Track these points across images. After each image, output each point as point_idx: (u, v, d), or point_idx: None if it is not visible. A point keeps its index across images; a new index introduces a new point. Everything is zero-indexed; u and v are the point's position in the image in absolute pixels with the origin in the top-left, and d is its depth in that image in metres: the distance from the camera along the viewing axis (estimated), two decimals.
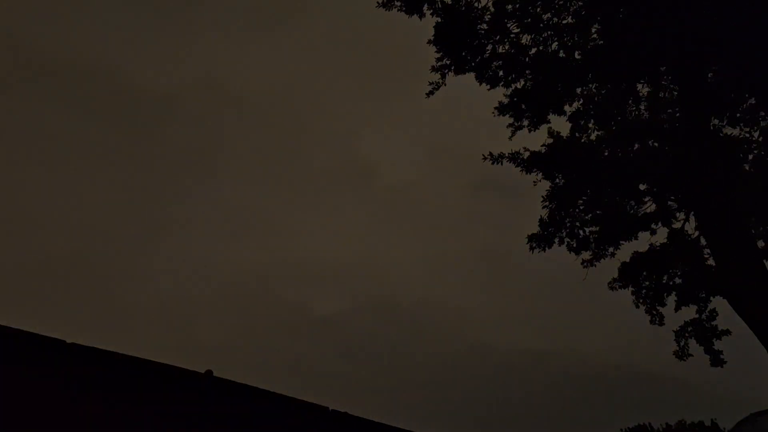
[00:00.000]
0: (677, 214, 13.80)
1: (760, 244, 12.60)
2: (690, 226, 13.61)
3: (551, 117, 13.81)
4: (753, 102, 12.42)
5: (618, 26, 11.68)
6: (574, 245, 14.32)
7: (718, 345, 13.42)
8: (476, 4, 13.08)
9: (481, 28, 13.10)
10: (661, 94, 13.88)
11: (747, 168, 12.83)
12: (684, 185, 12.28)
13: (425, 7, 13.06)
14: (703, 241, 13.12)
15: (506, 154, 13.80)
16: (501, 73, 13.34)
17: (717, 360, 13.28)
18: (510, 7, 12.99)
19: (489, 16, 13.03)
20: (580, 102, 13.97)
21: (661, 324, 14.28)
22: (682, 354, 13.91)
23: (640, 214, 13.85)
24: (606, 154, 13.92)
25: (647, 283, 14.25)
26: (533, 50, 13.26)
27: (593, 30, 12.93)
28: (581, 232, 14.23)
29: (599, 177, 13.07)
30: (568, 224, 14.21)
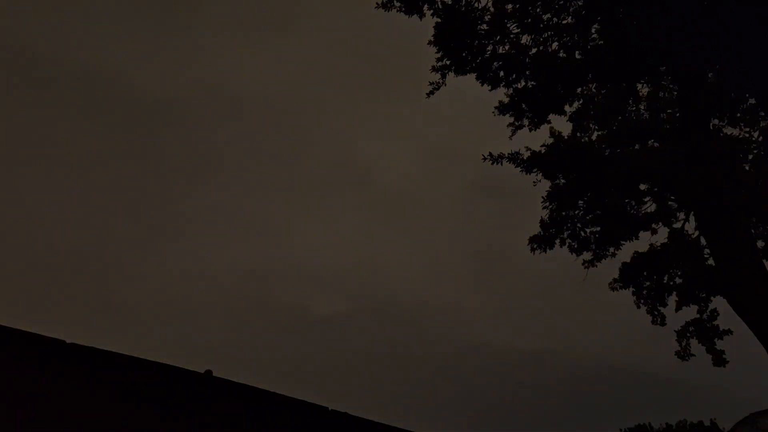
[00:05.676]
0: (677, 214, 13.81)
1: (760, 244, 12.61)
2: (690, 226, 13.62)
3: (552, 117, 13.80)
4: (753, 102, 12.42)
5: (618, 26, 11.67)
6: (576, 246, 14.31)
7: (719, 345, 13.41)
8: (476, 4, 13.05)
9: (481, 29, 13.08)
10: (661, 94, 13.88)
11: (747, 168, 12.84)
12: (684, 185, 12.28)
13: (425, 7, 13.04)
14: (703, 241, 13.13)
15: (506, 154, 13.77)
16: (502, 73, 13.32)
17: (719, 360, 13.25)
18: (510, 7, 12.97)
19: (489, 17, 13.01)
20: (581, 102, 13.97)
21: (663, 324, 14.26)
22: (684, 354, 13.88)
23: (640, 214, 13.85)
24: (606, 154, 13.92)
25: (648, 283, 14.24)
26: (533, 50, 13.25)
27: (593, 30, 12.92)
28: (582, 232, 14.22)
29: (600, 177, 13.06)
30: (570, 225, 14.20)
